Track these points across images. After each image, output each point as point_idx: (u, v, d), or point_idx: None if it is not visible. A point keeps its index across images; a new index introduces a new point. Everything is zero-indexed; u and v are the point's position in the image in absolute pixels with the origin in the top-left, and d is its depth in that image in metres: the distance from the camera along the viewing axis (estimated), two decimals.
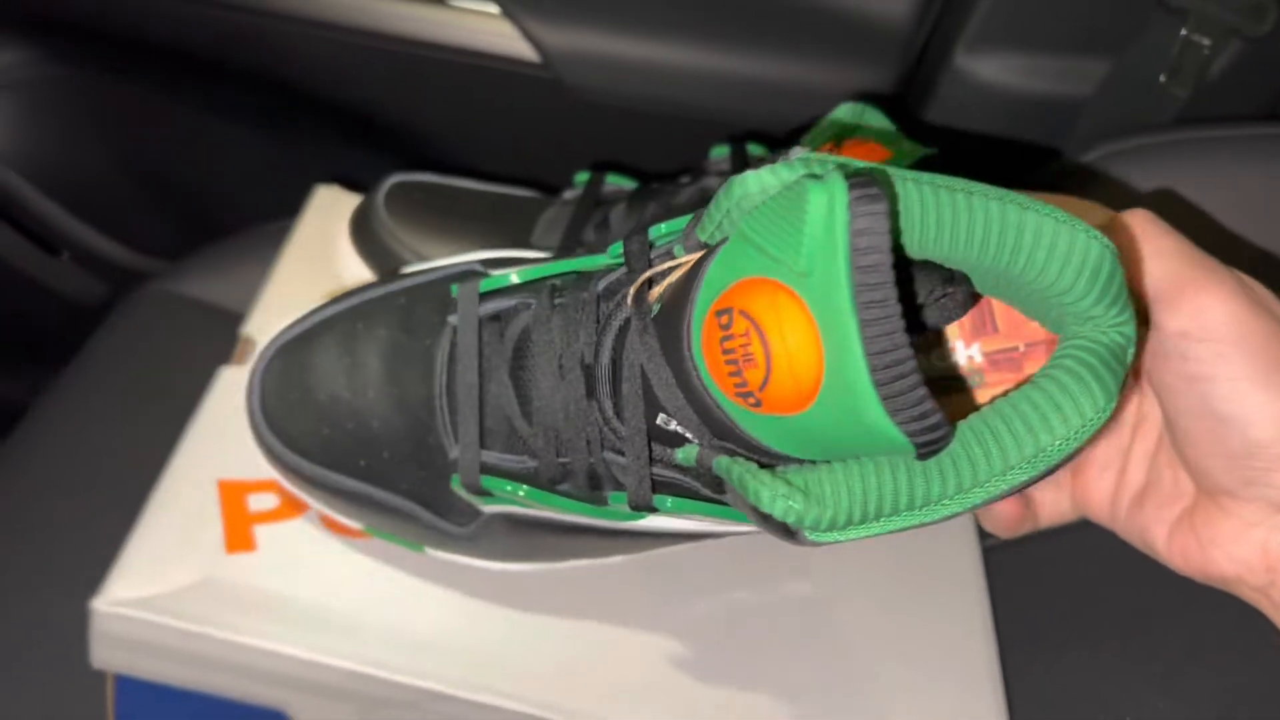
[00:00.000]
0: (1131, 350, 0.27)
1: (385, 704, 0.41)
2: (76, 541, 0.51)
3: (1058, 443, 0.26)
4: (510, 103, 0.71)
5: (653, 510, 0.35)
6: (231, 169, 0.86)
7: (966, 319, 0.32)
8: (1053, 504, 0.37)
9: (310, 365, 0.40)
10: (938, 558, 0.49)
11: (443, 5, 0.68)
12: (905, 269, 0.28)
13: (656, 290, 0.32)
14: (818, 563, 0.48)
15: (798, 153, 0.27)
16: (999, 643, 0.47)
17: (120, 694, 0.43)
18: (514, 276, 0.38)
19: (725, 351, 0.27)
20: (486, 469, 0.37)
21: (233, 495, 0.44)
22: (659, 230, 0.33)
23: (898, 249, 0.27)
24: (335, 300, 0.41)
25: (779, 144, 0.53)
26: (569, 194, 0.52)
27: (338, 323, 0.40)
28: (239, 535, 0.42)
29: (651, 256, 0.33)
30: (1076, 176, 0.60)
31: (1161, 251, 0.31)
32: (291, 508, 0.44)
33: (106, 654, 0.41)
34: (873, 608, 0.47)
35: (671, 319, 0.30)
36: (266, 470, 0.44)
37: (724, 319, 0.27)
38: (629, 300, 0.33)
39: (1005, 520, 0.36)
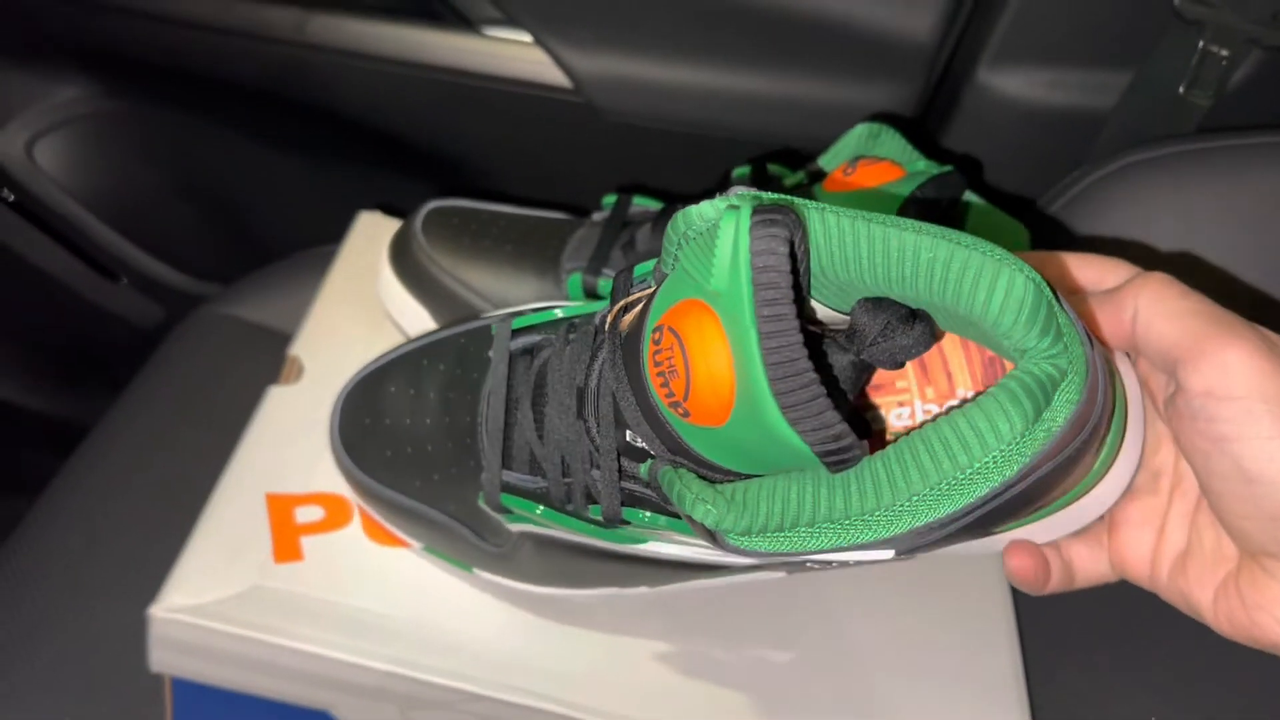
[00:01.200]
0: (1071, 380, 0.27)
1: (424, 704, 0.42)
2: (136, 552, 0.54)
3: (976, 465, 0.26)
4: (543, 127, 0.73)
5: (624, 523, 0.37)
6: (279, 196, 0.88)
7: (978, 370, 0.33)
8: (1090, 562, 0.36)
9: (381, 395, 0.43)
10: (961, 562, 0.50)
11: (478, 35, 0.71)
12: (869, 304, 0.29)
13: (627, 318, 0.34)
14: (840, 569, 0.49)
15: (736, 190, 0.29)
16: (1023, 647, 0.48)
17: (177, 696, 0.45)
18: (558, 311, 0.41)
19: (655, 364, 0.29)
20: (507, 488, 0.40)
21: (280, 508, 0.46)
22: (643, 268, 0.35)
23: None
24: (411, 341, 0.45)
25: (800, 164, 0.54)
26: (597, 216, 0.54)
27: (408, 359, 0.44)
28: (286, 546, 0.45)
29: (632, 290, 0.35)
30: (1100, 187, 0.61)
31: (1180, 312, 0.30)
32: (336, 520, 0.46)
33: (164, 658, 0.43)
34: (897, 613, 0.48)
35: (634, 342, 0.32)
36: (312, 484, 0.47)
37: (656, 335, 0.29)
38: (605, 327, 0.35)
39: (1027, 576, 0.35)
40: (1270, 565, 0.31)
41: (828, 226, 0.28)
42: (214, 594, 0.42)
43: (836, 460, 0.27)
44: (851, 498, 0.27)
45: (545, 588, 0.43)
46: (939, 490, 0.27)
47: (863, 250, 0.28)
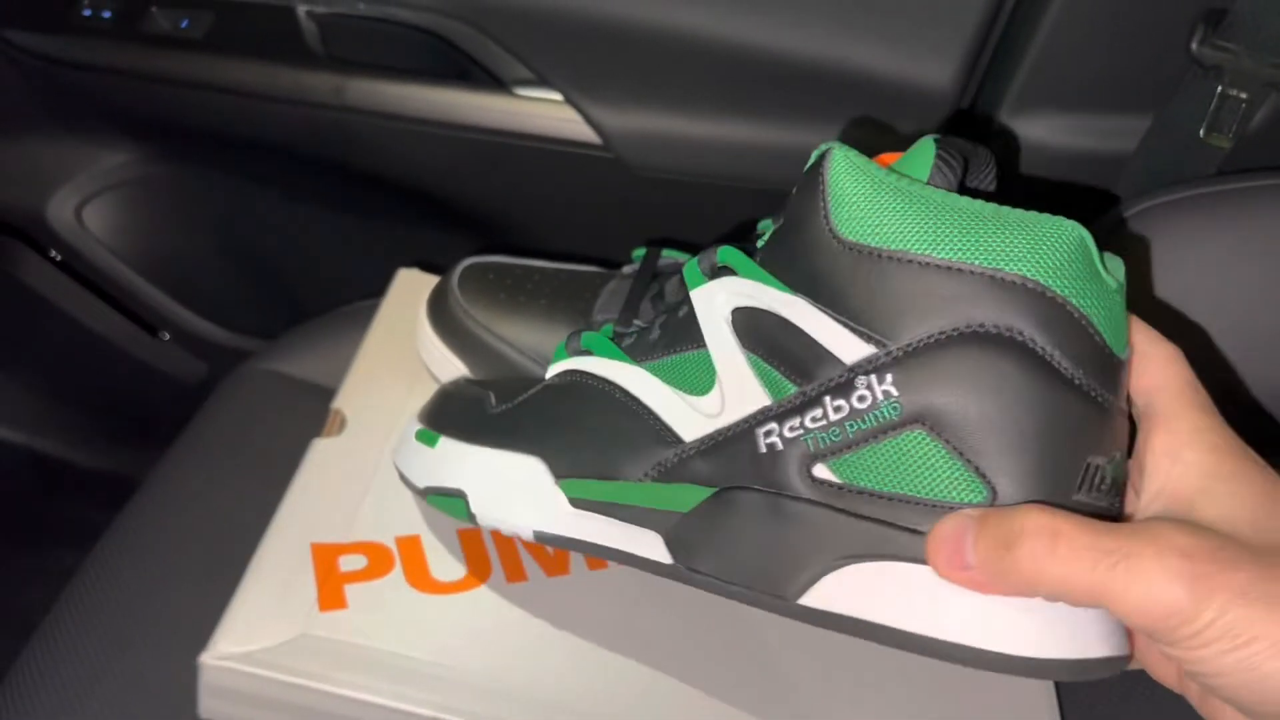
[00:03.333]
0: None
1: None
2: (186, 601, 0.55)
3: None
4: (574, 183, 0.75)
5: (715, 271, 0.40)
6: (320, 253, 0.90)
7: None
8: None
9: None
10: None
11: (510, 95, 0.73)
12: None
13: None
14: None
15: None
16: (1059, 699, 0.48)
17: None
18: None
19: None
20: (591, 325, 0.47)
21: (325, 557, 0.47)
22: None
23: None
24: None
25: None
26: (628, 269, 0.55)
27: None
28: (331, 594, 0.46)
29: None
30: (1124, 229, 0.61)
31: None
32: (378, 568, 0.47)
33: (213, 705, 0.44)
34: (930, 668, 0.48)
35: None
36: (355, 533, 0.48)
37: None
38: None
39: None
40: None
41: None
42: (262, 642, 0.43)
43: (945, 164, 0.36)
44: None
45: (496, 449, 0.44)
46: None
47: None
